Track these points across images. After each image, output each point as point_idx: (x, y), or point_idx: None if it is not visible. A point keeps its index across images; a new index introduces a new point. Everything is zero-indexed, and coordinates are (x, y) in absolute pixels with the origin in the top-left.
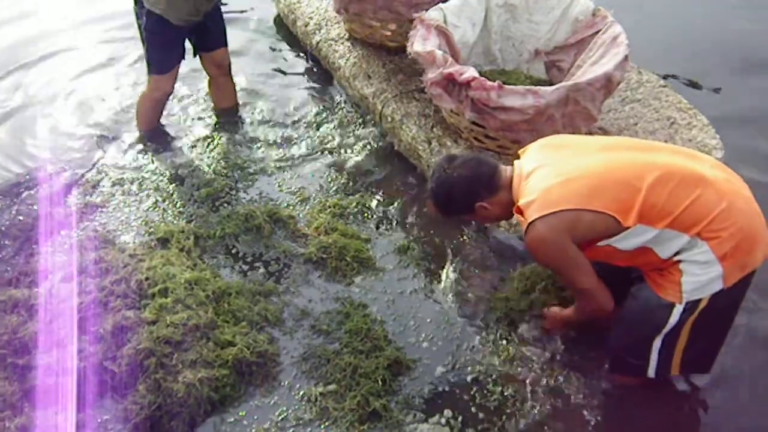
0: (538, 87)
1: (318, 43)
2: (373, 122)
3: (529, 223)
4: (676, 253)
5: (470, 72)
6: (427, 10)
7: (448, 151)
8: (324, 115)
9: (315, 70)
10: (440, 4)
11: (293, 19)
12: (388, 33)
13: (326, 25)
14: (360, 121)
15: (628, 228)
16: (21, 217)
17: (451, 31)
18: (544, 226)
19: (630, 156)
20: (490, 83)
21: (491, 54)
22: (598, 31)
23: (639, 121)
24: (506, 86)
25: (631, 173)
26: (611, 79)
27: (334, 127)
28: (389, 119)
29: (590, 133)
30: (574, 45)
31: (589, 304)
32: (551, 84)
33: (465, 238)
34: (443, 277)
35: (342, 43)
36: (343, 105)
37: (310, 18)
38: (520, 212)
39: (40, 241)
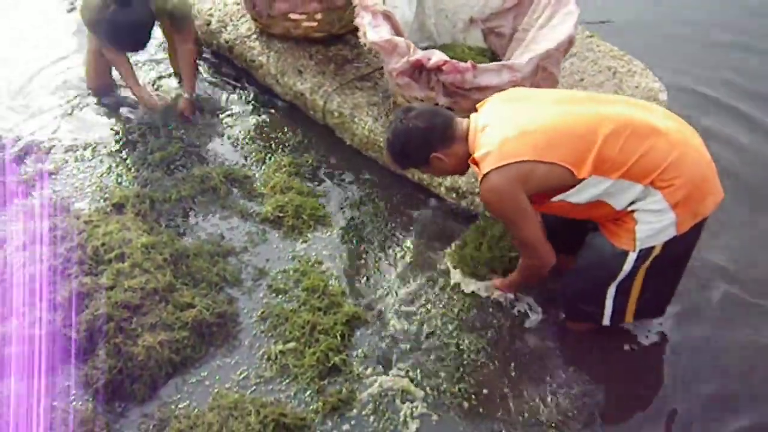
0: (511, 62)
1: (228, 41)
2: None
3: (484, 175)
4: (631, 203)
5: (437, 56)
6: None
7: None
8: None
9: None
10: None
11: None
12: (314, 24)
13: (231, 21)
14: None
15: (582, 179)
16: None
17: (392, 13)
18: (499, 177)
19: (584, 108)
20: (463, 65)
21: (427, 30)
22: None
23: (584, 76)
24: (479, 66)
25: (585, 125)
26: (572, 41)
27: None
28: (336, 114)
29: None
30: (511, 9)
31: (532, 258)
32: (493, 51)
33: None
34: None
35: (256, 39)
36: None
37: (211, 15)
38: (476, 164)
39: None
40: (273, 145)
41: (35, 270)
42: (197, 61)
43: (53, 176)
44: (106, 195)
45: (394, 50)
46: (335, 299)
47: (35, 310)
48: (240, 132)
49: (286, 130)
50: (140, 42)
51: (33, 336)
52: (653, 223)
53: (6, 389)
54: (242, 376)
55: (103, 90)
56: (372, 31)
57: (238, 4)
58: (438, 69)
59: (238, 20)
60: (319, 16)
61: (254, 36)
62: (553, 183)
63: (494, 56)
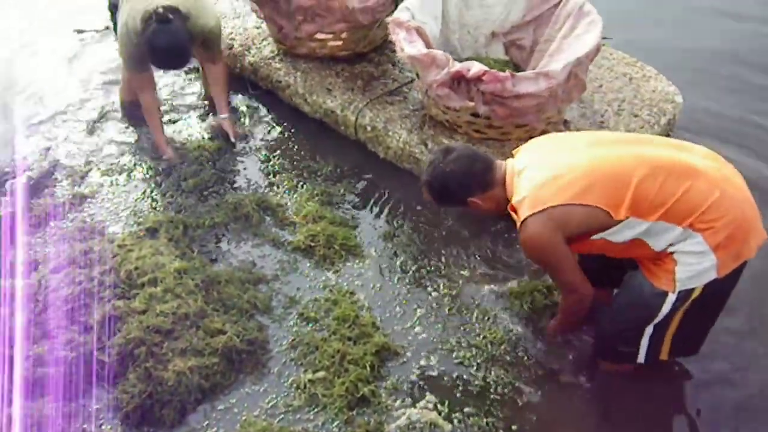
0: (547, 69)
1: (252, 64)
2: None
3: (522, 221)
4: (670, 245)
5: (477, 66)
6: (383, 13)
7: None
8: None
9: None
10: (404, 3)
11: None
12: (339, 43)
13: (254, 44)
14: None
15: (619, 221)
16: (9, 209)
17: (424, 29)
18: (536, 224)
19: (619, 150)
20: (502, 74)
21: (451, 44)
22: (554, 5)
23: (602, 83)
24: (517, 74)
25: (620, 167)
26: (599, 49)
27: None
28: (369, 129)
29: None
30: (531, 22)
31: (572, 295)
32: (515, 64)
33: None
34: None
35: (281, 61)
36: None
37: (233, 39)
38: (514, 210)
39: (29, 232)
40: (305, 174)
41: (69, 292)
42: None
43: (88, 200)
44: (140, 219)
45: (432, 63)
46: (366, 329)
47: (68, 333)
48: (272, 159)
49: (318, 158)
50: (180, 59)
51: (65, 358)
52: (693, 265)
53: (38, 410)
54: (271, 404)
55: (137, 106)
56: (409, 46)
57: (257, 27)
58: (478, 79)
59: (260, 43)
60: (344, 35)
61: (278, 57)
62: (590, 225)
63: (517, 68)
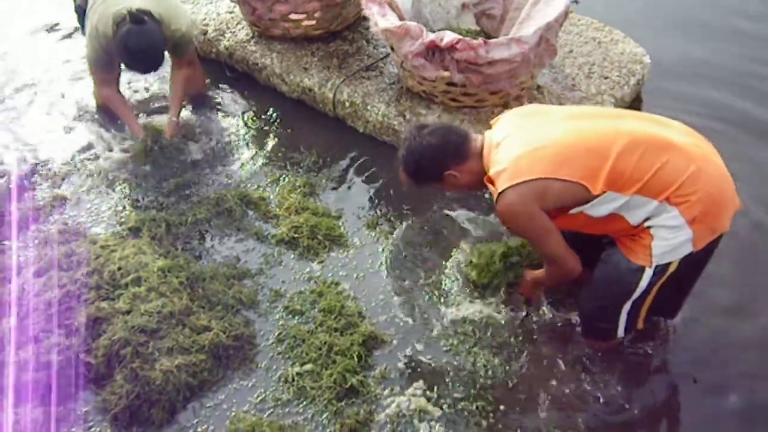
0: (519, 35)
1: (228, 48)
2: (325, 112)
3: (500, 193)
4: (646, 219)
5: (449, 35)
6: None
7: (425, 120)
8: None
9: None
10: None
11: None
12: (313, 22)
13: (228, 28)
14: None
15: (597, 196)
16: None
17: (396, 2)
18: (514, 195)
19: (597, 124)
20: (475, 42)
21: (423, 17)
22: None
23: (572, 48)
24: (490, 41)
25: (598, 141)
26: (567, 13)
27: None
28: (347, 104)
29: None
30: None
31: (558, 269)
32: (486, 33)
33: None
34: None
35: (256, 43)
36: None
37: (207, 25)
38: (491, 182)
39: (10, 236)
40: (288, 166)
41: (52, 296)
42: (207, 92)
43: (69, 202)
44: (122, 219)
45: (406, 34)
46: (352, 320)
47: (52, 336)
48: (253, 150)
49: (301, 147)
50: (155, 62)
51: (50, 362)
52: (670, 239)
53: (24, 415)
54: (259, 399)
55: (113, 115)
56: (382, 20)
57: (231, 12)
58: (452, 48)
59: (234, 27)
60: (318, 14)
61: (253, 40)
62: (568, 199)
63: (488, 37)
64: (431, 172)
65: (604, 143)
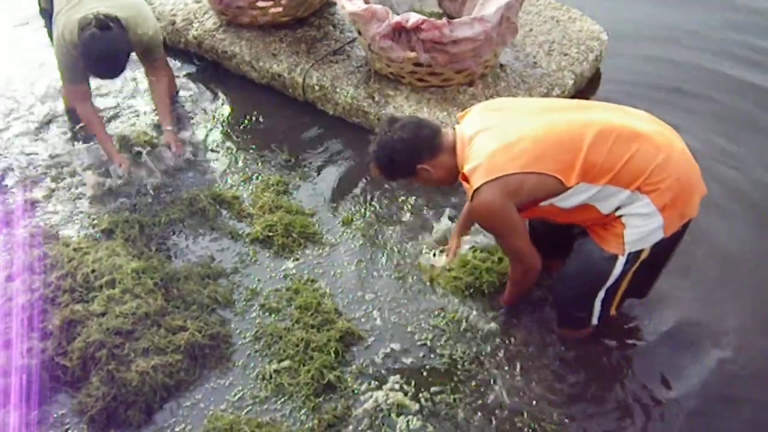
0: (481, 14)
1: (197, 37)
2: (294, 97)
3: (475, 189)
4: (618, 208)
5: (414, 16)
6: None
7: (393, 101)
8: (242, 103)
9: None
10: None
11: None
12: (280, 9)
13: (196, 18)
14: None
15: (570, 188)
16: None
17: None
18: (490, 191)
19: (568, 117)
20: (439, 22)
21: (388, 1)
22: None
23: (532, 27)
24: (453, 20)
25: (570, 134)
26: None
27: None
28: (316, 88)
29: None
30: None
31: (521, 264)
32: (449, 15)
33: (406, 207)
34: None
35: (224, 32)
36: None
37: (175, 15)
38: (466, 179)
39: None
40: (259, 164)
41: (26, 299)
42: (174, 95)
43: (41, 205)
44: (95, 221)
45: (373, 17)
46: (328, 316)
47: (27, 340)
48: (225, 152)
49: (273, 147)
50: (117, 68)
51: (25, 366)
52: (641, 227)
53: (1, 421)
54: (237, 397)
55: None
56: (349, 4)
57: (198, 2)
58: (417, 28)
59: (202, 16)
60: (284, 1)
61: (222, 29)
62: (541, 192)
63: (451, 18)
64: (404, 167)
65: (575, 136)
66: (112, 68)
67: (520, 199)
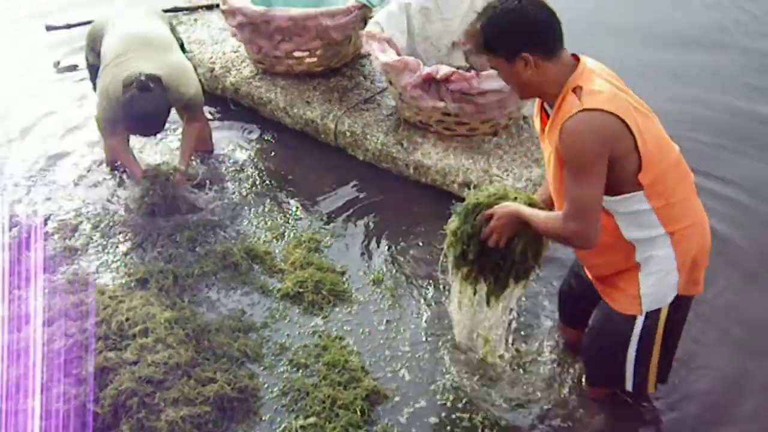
0: None
1: (234, 84)
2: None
3: (587, 108)
4: (642, 249)
5: (444, 68)
6: (354, 30)
7: (421, 148)
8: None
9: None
10: (373, 19)
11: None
12: (315, 59)
13: (234, 66)
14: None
15: (637, 188)
16: (1, 263)
17: (393, 39)
18: (601, 118)
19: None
20: (468, 73)
21: (417, 55)
22: None
23: None
24: (481, 72)
25: (667, 140)
26: None
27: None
28: (348, 134)
29: None
30: None
31: (574, 224)
32: (475, 70)
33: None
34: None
35: (260, 80)
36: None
37: (213, 63)
38: (575, 93)
39: (20, 285)
40: (292, 219)
41: (61, 345)
42: (212, 150)
43: (79, 252)
44: (131, 270)
45: (405, 68)
46: (355, 374)
47: (60, 385)
48: (258, 203)
49: (306, 199)
50: (156, 127)
51: (58, 411)
52: (656, 283)
53: None
54: None
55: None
56: (382, 55)
57: (235, 51)
58: (447, 80)
59: (240, 65)
60: (319, 51)
61: (258, 77)
62: (622, 165)
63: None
64: (511, 41)
65: (669, 145)
66: (151, 127)
67: (613, 153)
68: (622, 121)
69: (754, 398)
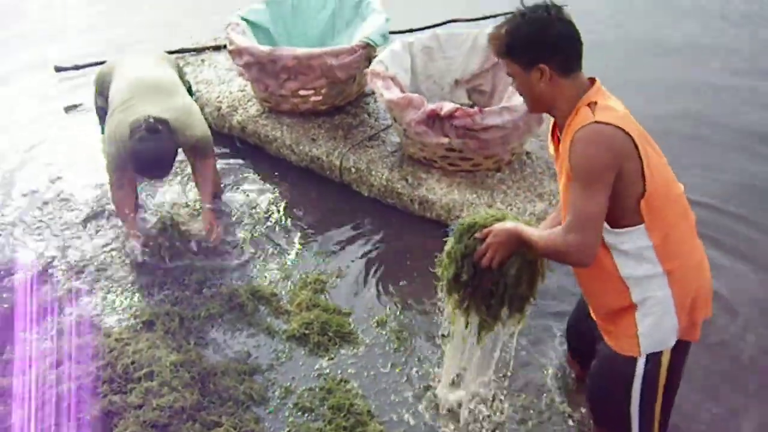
0: (510, 104)
1: (240, 122)
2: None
3: (600, 121)
4: (638, 288)
5: (448, 105)
6: (358, 69)
7: (426, 183)
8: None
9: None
10: (377, 58)
11: (200, 106)
12: (320, 98)
13: (240, 105)
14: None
15: (641, 217)
16: (5, 305)
17: (397, 78)
18: (611, 132)
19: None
20: (471, 110)
21: (420, 92)
22: None
23: None
24: (484, 109)
25: (671, 174)
26: None
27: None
28: (353, 171)
29: None
30: (489, 69)
31: (574, 236)
32: (478, 107)
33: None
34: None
35: (267, 117)
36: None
37: (220, 102)
38: (590, 107)
39: (25, 328)
40: (299, 259)
41: (66, 388)
42: (219, 194)
43: (85, 294)
44: (137, 312)
45: (409, 104)
46: (361, 418)
47: (65, 429)
48: (267, 246)
49: (312, 237)
50: (163, 169)
51: None
52: (653, 325)
53: None
54: None
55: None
56: (387, 92)
57: (242, 91)
58: (451, 116)
59: (246, 103)
60: (324, 90)
61: (264, 115)
62: (626, 186)
63: None
64: (533, 49)
65: (674, 182)
66: (159, 169)
67: (620, 171)
68: (633, 141)
69: None
